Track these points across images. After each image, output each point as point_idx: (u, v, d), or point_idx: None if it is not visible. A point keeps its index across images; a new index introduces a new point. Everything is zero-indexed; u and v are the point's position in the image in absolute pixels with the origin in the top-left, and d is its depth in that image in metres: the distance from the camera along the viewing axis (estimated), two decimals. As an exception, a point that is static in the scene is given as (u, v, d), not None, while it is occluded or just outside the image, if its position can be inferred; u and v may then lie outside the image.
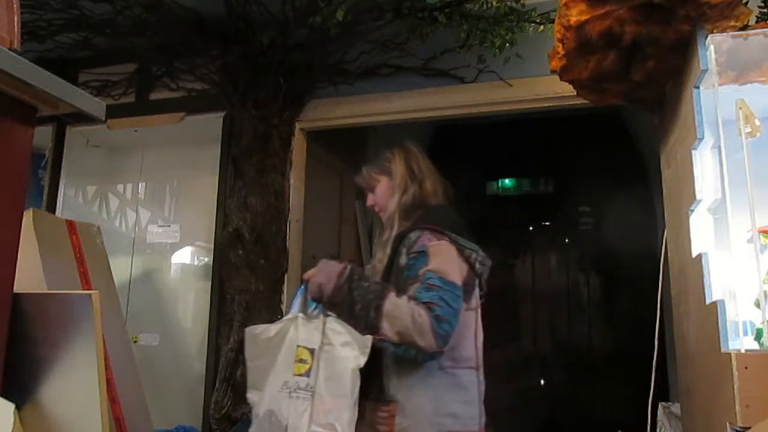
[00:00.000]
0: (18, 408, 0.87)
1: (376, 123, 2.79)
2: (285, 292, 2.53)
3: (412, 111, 2.59)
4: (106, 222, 3.00)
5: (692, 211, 1.27)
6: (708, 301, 1.14)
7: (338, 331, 1.34)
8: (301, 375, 1.34)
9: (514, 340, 2.57)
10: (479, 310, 1.56)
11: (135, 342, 2.65)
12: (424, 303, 1.32)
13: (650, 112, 1.64)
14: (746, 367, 0.99)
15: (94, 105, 0.98)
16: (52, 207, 2.92)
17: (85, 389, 0.89)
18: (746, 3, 1.28)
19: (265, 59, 2.56)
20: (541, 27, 2.28)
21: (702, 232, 1.26)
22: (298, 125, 2.69)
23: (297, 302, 1.44)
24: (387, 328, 1.31)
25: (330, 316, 1.38)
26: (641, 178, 3.48)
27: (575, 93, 1.59)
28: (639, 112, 2.06)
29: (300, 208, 2.70)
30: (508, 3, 2.23)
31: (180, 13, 2.47)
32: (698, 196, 1.22)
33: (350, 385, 1.31)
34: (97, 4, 2.44)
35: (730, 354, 1.01)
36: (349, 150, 3.54)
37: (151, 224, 2.89)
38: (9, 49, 0.85)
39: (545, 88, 2.32)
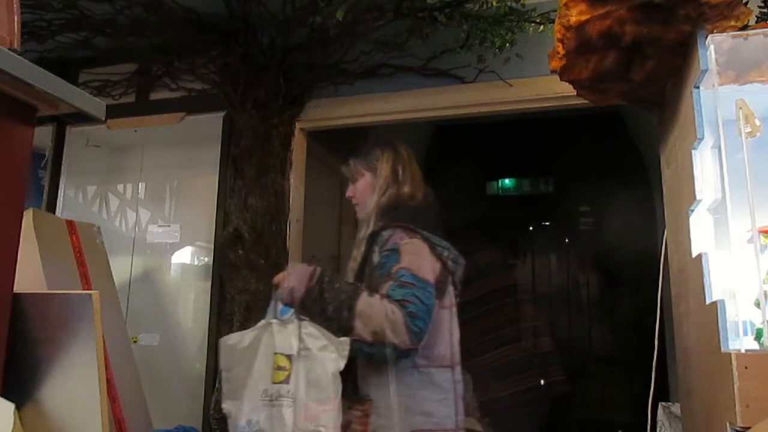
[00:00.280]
0: (18, 408, 0.87)
1: (376, 123, 2.79)
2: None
3: (412, 111, 2.59)
4: (106, 222, 3.00)
5: (692, 211, 1.27)
6: (708, 301, 1.14)
7: (315, 335, 1.34)
8: (280, 382, 1.33)
9: (514, 340, 2.56)
10: (454, 309, 1.56)
11: (135, 342, 2.65)
12: (397, 300, 1.33)
13: (650, 112, 1.64)
14: (746, 367, 0.99)
15: (94, 105, 0.98)
16: (52, 207, 2.92)
17: (85, 389, 0.89)
18: (746, 3, 1.28)
19: (265, 59, 2.56)
20: (541, 27, 2.28)
21: (702, 232, 1.26)
22: (298, 125, 2.69)
23: (271, 308, 1.44)
24: (361, 328, 1.31)
25: (304, 320, 1.37)
26: (641, 178, 3.48)
27: (575, 93, 1.59)
28: (639, 112, 2.06)
29: (300, 208, 2.70)
30: (508, 3, 2.23)
31: (180, 13, 2.47)
32: (698, 196, 1.22)
33: (332, 389, 1.31)
34: (97, 4, 2.44)
35: (730, 354, 1.01)
36: (349, 150, 3.54)
37: (151, 224, 2.89)
38: (9, 49, 0.85)
39: (545, 88, 2.32)
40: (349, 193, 1.70)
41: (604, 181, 3.70)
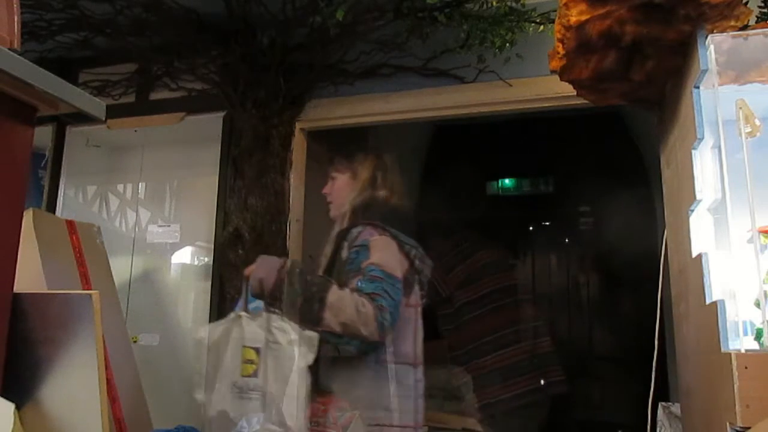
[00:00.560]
0: (18, 408, 0.87)
1: (376, 123, 2.79)
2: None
3: (412, 111, 2.59)
4: (106, 222, 3.00)
5: (692, 211, 1.27)
6: (708, 301, 1.14)
7: (284, 329, 1.35)
8: (249, 376, 1.34)
9: (514, 342, 2.56)
10: (419, 309, 1.58)
11: (135, 342, 2.65)
12: (367, 294, 1.34)
13: (650, 112, 1.64)
14: (746, 367, 0.99)
15: (94, 105, 0.98)
16: (52, 207, 2.92)
17: (85, 389, 0.89)
18: (746, 3, 1.28)
19: (265, 59, 2.56)
20: (541, 27, 2.28)
21: (702, 232, 1.26)
22: (298, 125, 2.69)
23: (241, 300, 1.45)
24: (331, 319, 1.32)
25: (274, 313, 1.38)
26: (641, 178, 3.47)
27: (575, 93, 1.59)
28: (639, 112, 2.06)
29: (300, 208, 2.70)
30: (508, 3, 2.23)
31: (180, 13, 2.47)
32: (698, 196, 1.22)
33: (300, 383, 1.32)
34: (97, 4, 2.44)
35: (730, 354, 1.01)
36: (349, 150, 3.53)
37: (151, 224, 2.89)
38: (9, 49, 0.85)
39: (545, 88, 2.32)
40: (325, 189, 1.73)
41: (604, 181, 3.70)
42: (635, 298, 3.67)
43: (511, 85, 2.41)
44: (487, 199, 4.79)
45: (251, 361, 1.35)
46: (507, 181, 4.82)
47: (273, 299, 1.38)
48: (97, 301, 0.92)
